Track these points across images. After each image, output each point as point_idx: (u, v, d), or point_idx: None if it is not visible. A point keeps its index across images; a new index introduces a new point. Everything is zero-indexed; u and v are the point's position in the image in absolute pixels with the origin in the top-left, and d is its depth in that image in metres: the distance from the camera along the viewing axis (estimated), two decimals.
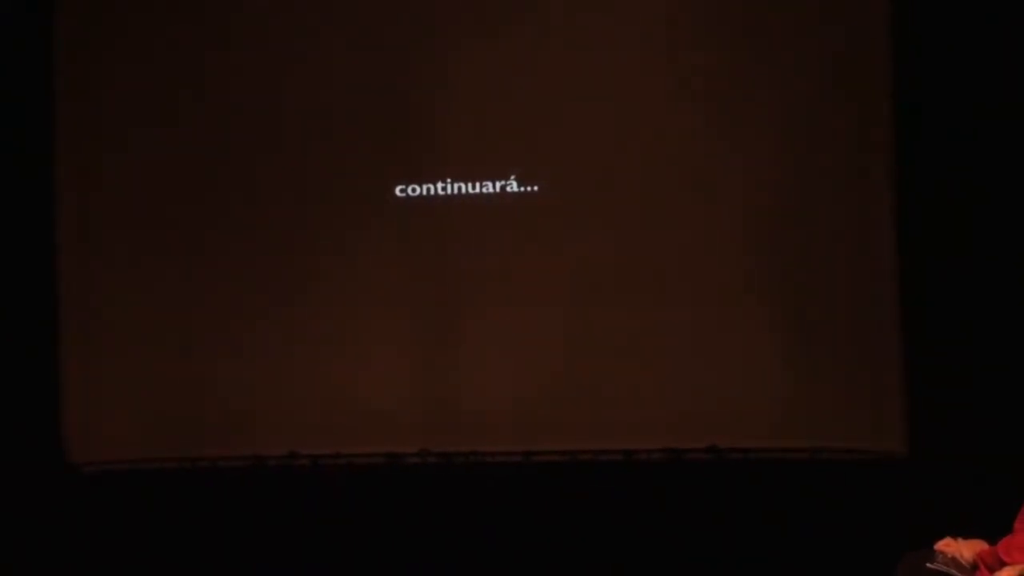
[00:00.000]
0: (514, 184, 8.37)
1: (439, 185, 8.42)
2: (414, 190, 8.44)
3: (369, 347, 8.42)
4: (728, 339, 8.18)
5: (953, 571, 5.40)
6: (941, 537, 5.53)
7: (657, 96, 8.26)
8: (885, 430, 8.01)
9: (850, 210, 8.13)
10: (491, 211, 8.41)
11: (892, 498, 7.78)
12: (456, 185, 8.41)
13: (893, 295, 8.03)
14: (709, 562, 7.97)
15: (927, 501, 7.45)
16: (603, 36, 8.30)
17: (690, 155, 8.24)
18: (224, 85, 8.52)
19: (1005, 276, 7.76)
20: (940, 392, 7.77)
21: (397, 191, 8.45)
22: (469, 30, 8.42)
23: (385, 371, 8.39)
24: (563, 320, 8.34)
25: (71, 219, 8.59)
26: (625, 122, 8.29)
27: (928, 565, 5.45)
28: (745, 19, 8.21)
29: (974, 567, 5.36)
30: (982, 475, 7.29)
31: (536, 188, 8.36)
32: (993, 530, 5.55)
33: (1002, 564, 5.27)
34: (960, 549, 5.39)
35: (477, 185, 8.39)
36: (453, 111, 8.41)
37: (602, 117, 8.30)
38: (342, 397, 8.41)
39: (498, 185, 8.39)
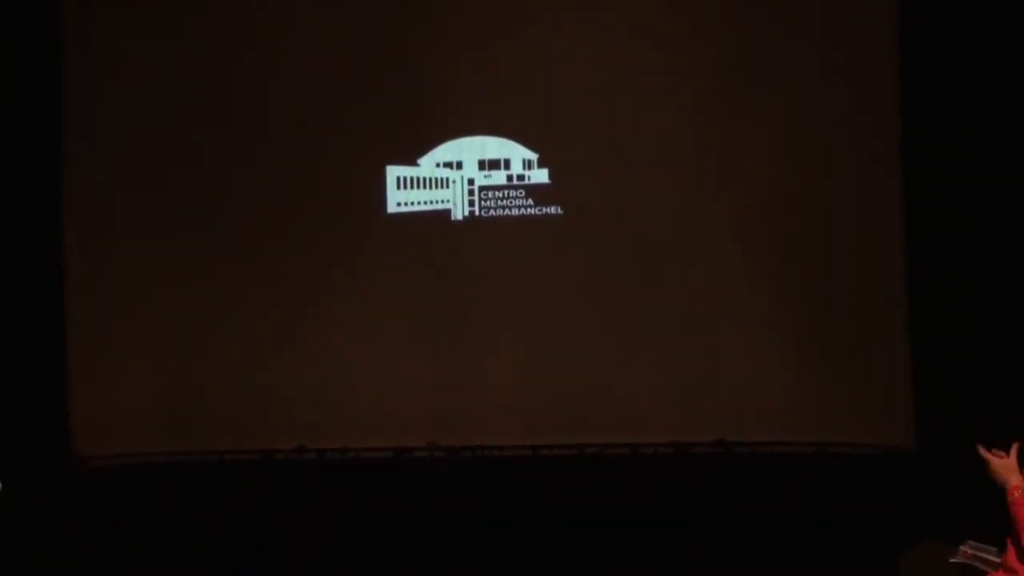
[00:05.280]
0: (528, 176, 8.39)
1: (447, 179, 8.43)
2: (418, 183, 8.45)
3: (377, 342, 8.43)
4: (736, 334, 8.20)
5: (977, 564, 5.38)
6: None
7: (664, 95, 8.28)
8: (892, 425, 8.02)
9: (858, 209, 8.15)
10: (499, 208, 8.42)
11: (898, 492, 7.78)
12: (465, 178, 8.42)
13: (901, 292, 8.04)
14: (716, 555, 7.97)
15: (933, 495, 7.46)
16: (608, 37, 8.32)
17: (700, 154, 8.26)
18: (230, 92, 8.53)
19: (1012, 274, 7.76)
20: (946, 388, 7.77)
21: (401, 187, 8.46)
22: (473, 30, 8.43)
23: (393, 366, 8.40)
24: (570, 316, 8.35)
25: (79, 216, 8.60)
26: (634, 122, 8.31)
27: (952, 560, 5.42)
28: (755, 20, 8.22)
29: (1000, 551, 5.30)
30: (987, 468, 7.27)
31: (547, 180, 8.39)
32: (998, 525, 5.53)
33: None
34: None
35: (485, 177, 8.41)
36: (459, 108, 8.43)
37: (610, 118, 8.32)
38: (350, 391, 8.42)
39: (504, 176, 8.40)
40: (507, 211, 8.40)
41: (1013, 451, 5.30)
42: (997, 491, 5.36)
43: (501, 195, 8.40)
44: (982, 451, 5.30)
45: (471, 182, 8.41)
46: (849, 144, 8.12)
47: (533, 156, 8.36)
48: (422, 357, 8.40)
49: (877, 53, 8.09)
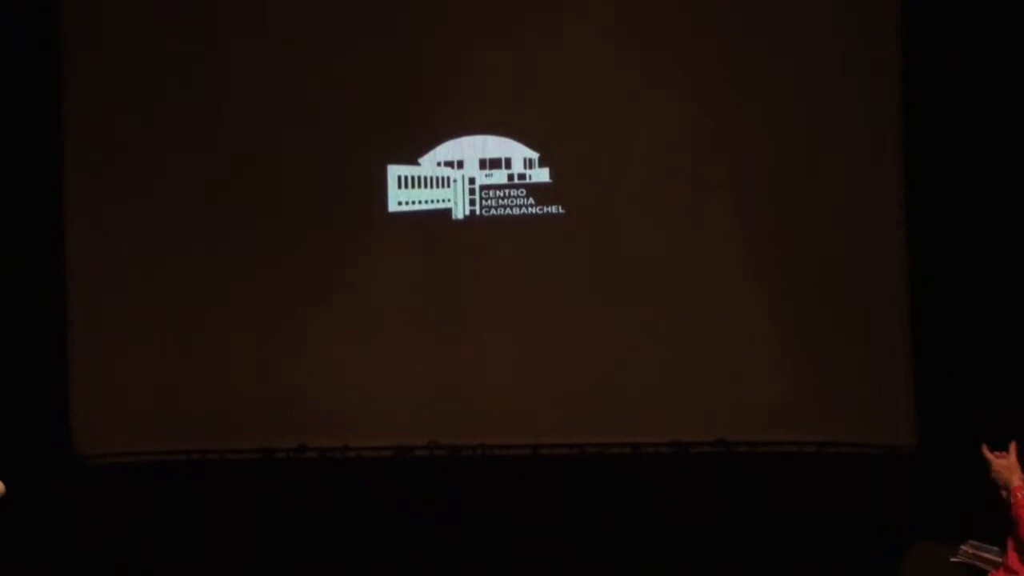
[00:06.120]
0: (529, 176, 8.39)
1: (448, 178, 8.43)
2: (419, 182, 8.45)
3: (377, 342, 8.42)
4: (736, 334, 8.19)
5: (977, 563, 5.40)
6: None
7: (665, 95, 8.27)
8: (894, 424, 8.02)
9: (859, 207, 8.14)
10: (500, 208, 8.41)
11: (898, 492, 7.78)
12: (466, 177, 8.42)
13: (901, 289, 8.03)
14: (716, 555, 7.98)
15: (933, 495, 7.46)
16: (608, 36, 8.31)
17: (700, 154, 8.25)
18: (230, 92, 8.52)
19: (1013, 274, 7.76)
20: (948, 386, 7.77)
21: (402, 186, 8.46)
22: (473, 30, 8.43)
23: (393, 365, 8.39)
24: (570, 315, 8.34)
25: (79, 216, 8.59)
26: (634, 122, 8.29)
27: (952, 559, 5.44)
28: (755, 20, 8.21)
29: (1001, 551, 5.31)
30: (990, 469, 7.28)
31: (548, 179, 8.38)
32: (999, 525, 5.54)
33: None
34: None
35: (486, 176, 8.41)
36: (462, 105, 8.43)
37: (610, 117, 8.31)
38: (350, 390, 8.41)
39: (505, 175, 8.40)
40: (508, 210, 8.40)
41: (1012, 451, 5.31)
42: (997, 492, 5.37)
43: (502, 194, 8.40)
44: (985, 452, 5.32)
45: (472, 181, 8.41)
46: (849, 144, 8.12)
47: (534, 155, 8.37)
48: (422, 356, 8.40)
49: (877, 53, 8.09)
